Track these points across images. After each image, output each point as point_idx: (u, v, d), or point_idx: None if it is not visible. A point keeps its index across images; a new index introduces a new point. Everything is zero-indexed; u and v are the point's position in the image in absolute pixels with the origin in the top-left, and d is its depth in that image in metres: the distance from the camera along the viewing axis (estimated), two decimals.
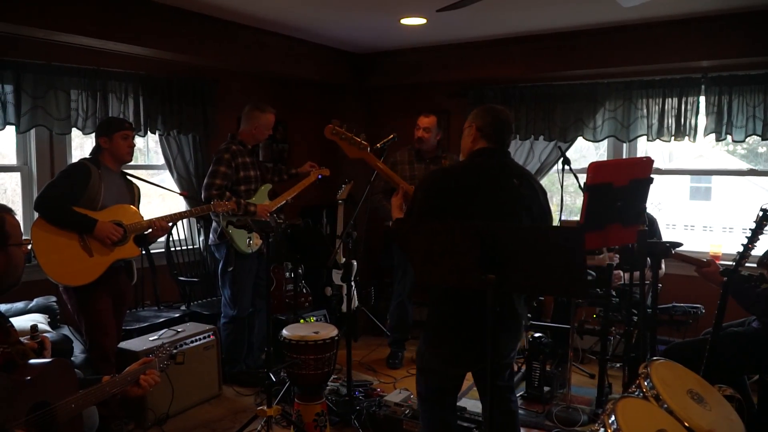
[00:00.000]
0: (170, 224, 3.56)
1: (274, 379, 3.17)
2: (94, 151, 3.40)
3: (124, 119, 3.72)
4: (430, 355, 2.61)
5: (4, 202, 2.77)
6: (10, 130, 3.79)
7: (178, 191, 4.24)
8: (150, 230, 3.43)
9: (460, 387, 2.73)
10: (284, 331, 3.45)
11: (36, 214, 3.17)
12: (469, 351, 2.46)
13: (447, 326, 2.50)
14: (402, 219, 2.72)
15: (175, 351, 2.37)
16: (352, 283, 3.95)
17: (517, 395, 3.93)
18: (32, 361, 2.01)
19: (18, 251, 2.01)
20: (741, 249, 2.81)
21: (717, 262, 3.09)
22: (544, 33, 4.70)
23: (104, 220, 3.23)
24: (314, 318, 4.51)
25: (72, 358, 3.49)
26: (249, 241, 3.99)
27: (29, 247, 2.11)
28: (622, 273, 4.06)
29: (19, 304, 3.71)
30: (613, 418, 1.84)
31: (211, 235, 4.18)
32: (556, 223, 5.71)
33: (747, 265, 2.83)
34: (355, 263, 4.75)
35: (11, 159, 4.08)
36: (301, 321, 4.15)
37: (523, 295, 2.56)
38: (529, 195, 2.50)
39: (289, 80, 5.54)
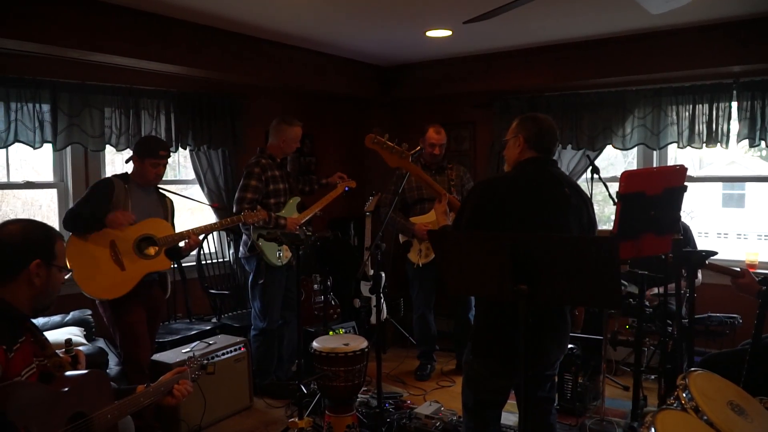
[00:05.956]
0: (201, 237, 3.60)
1: (305, 391, 3.18)
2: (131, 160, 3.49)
3: (161, 146, 3.49)
4: (477, 365, 2.57)
5: (39, 218, 2.85)
6: (47, 147, 3.89)
7: (209, 203, 4.29)
8: (183, 243, 3.48)
9: (506, 400, 2.66)
10: (315, 343, 3.46)
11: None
12: (515, 361, 2.42)
13: (493, 336, 2.48)
14: (447, 229, 2.68)
15: (205, 362, 2.40)
16: (381, 295, 3.94)
17: None
18: (69, 372, 2.04)
19: (59, 275, 2.03)
20: None
21: (752, 271, 3.02)
22: (571, 41, 4.67)
23: (134, 233, 3.30)
24: (343, 330, 4.51)
25: (107, 371, 3.55)
26: (279, 254, 4.02)
27: (66, 276, 2.13)
28: (657, 289, 3.97)
29: (56, 318, 3.80)
30: (652, 430, 1.81)
31: (241, 249, 4.22)
32: None
33: None
34: (384, 275, 4.75)
35: (47, 176, 4.19)
36: (331, 333, 4.17)
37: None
38: (580, 205, 2.50)
39: (315, 94, 5.60)
